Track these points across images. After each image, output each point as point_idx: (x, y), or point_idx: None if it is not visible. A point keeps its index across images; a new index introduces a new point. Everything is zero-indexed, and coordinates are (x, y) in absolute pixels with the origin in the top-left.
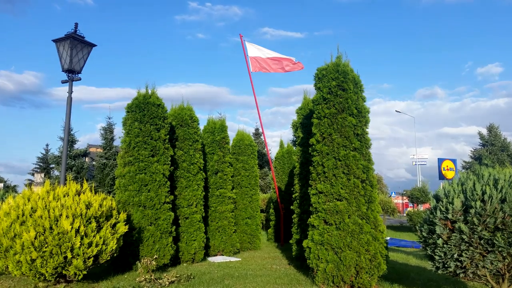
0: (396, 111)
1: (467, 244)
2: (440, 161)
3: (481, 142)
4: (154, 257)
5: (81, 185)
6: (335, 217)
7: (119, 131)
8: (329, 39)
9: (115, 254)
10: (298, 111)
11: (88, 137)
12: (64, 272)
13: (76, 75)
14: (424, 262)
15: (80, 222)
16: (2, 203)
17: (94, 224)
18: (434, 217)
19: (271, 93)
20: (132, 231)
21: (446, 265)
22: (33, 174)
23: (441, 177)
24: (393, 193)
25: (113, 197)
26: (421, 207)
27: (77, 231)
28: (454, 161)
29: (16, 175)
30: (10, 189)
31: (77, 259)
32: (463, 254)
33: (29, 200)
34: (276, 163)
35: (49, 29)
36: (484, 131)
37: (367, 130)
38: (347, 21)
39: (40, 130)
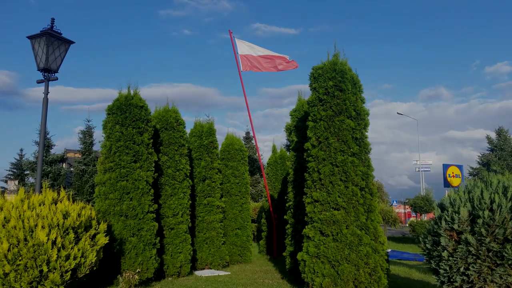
0: (397, 113)
1: (474, 257)
2: (445, 167)
3: (490, 146)
4: (137, 270)
5: (58, 193)
6: (332, 227)
7: (99, 135)
8: (325, 35)
9: (95, 268)
10: (292, 114)
11: (66, 141)
12: (39, 287)
13: (53, 74)
14: (428, 276)
15: (57, 233)
16: None
17: (72, 235)
18: (439, 228)
19: (263, 94)
20: (113, 242)
21: (451, 280)
22: (6, 181)
23: (446, 184)
24: (395, 201)
25: (92, 206)
26: (425, 217)
27: (54, 242)
28: (460, 167)
29: None
30: None
31: (53, 273)
32: (470, 267)
33: (1, 209)
34: (268, 169)
35: (23, 25)
36: (493, 135)
37: (366, 133)
38: (345, 16)
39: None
